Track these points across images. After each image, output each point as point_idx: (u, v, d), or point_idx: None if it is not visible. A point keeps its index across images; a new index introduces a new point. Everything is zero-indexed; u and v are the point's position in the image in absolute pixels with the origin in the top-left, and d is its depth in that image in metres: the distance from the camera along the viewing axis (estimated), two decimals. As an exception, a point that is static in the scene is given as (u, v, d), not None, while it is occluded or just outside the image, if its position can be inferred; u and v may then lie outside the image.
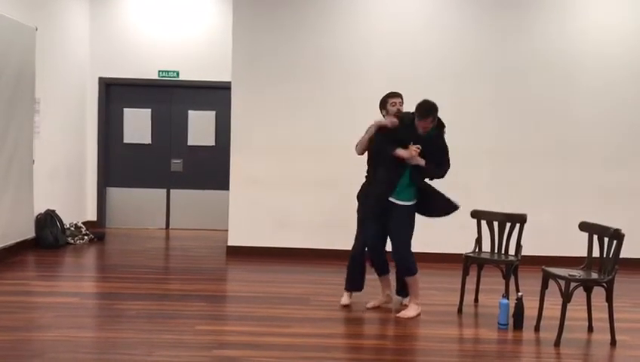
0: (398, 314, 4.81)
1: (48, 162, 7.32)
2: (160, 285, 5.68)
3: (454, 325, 4.70)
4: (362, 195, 5.04)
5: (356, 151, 5.01)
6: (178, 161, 8.87)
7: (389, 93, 5.06)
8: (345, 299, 5.06)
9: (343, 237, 5.12)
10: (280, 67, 6.97)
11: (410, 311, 4.80)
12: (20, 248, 6.66)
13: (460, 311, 4.95)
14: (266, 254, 6.93)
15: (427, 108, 4.60)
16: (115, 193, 8.86)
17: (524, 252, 5.04)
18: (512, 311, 4.56)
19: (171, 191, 8.93)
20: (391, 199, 4.73)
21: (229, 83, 7.05)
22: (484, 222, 5.15)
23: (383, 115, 5.02)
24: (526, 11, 6.93)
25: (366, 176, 5.06)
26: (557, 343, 4.19)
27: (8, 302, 4.86)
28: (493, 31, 6.96)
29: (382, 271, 4.98)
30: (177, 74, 8.62)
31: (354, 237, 5.06)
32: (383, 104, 5.04)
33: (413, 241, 4.80)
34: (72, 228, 7.63)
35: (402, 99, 5.02)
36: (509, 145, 6.99)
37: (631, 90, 6.96)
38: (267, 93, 6.99)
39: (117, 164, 8.83)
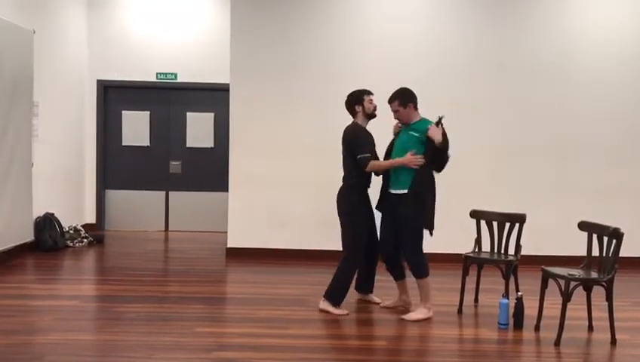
0: (403, 316, 4.75)
1: (47, 165, 7.31)
2: (159, 287, 5.67)
3: (454, 325, 4.70)
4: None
5: (370, 168, 4.74)
6: (177, 163, 8.87)
7: (365, 90, 4.91)
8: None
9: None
10: (278, 68, 6.97)
11: (417, 314, 4.73)
12: (19, 251, 6.66)
13: (459, 311, 4.95)
14: (266, 256, 6.92)
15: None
16: (113, 195, 8.86)
17: (524, 252, 5.04)
18: (512, 310, 4.56)
19: (170, 193, 8.92)
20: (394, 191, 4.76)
21: (228, 85, 7.05)
22: (483, 222, 5.14)
23: (357, 111, 4.88)
24: (525, 10, 6.92)
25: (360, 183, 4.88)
26: (557, 342, 4.19)
27: (7, 306, 4.85)
28: (492, 30, 6.95)
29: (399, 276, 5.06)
30: (176, 76, 8.62)
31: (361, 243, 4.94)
32: (359, 99, 4.88)
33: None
34: (71, 231, 7.63)
35: None
36: (508, 145, 6.99)
37: (631, 89, 6.95)
38: (265, 94, 6.99)
39: (116, 167, 8.82)
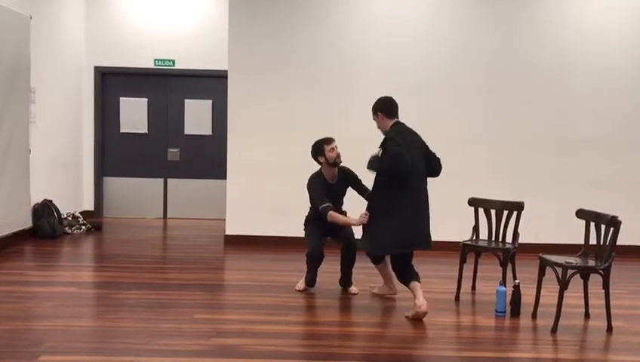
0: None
1: (45, 152, 7.30)
2: (158, 274, 5.68)
3: (452, 312, 4.72)
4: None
5: (330, 219, 4.80)
6: (175, 150, 8.86)
7: (325, 140, 4.97)
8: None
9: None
10: (276, 54, 6.94)
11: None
12: (17, 238, 6.65)
13: (457, 298, 4.97)
14: (264, 243, 6.93)
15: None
16: (112, 183, 8.85)
17: (522, 239, 5.05)
18: (509, 298, 4.57)
19: (168, 180, 8.92)
20: None
21: (226, 71, 7.02)
22: (481, 210, 5.15)
23: (321, 162, 4.99)
24: (525, 3, 6.90)
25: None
26: (554, 330, 4.21)
27: (6, 292, 4.85)
28: (490, 21, 6.93)
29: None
30: (173, 62, 8.58)
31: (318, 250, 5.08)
32: (320, 150, 4.96)
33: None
34: (70, 218, 7.62)
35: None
36: (506, 134, 6.99)
37: (628, 79, 6.94)
38: (264, 81, 6.96)
39: (114, 154, 8.80)
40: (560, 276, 4.21)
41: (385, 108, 4.63)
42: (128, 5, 8.50)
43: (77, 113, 8.42)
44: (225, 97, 7.10)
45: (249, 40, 6.92)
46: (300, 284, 5.19)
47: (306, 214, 5.29)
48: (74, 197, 8.28)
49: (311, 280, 5.16)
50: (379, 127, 4.71)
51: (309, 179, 5.11)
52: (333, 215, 4.85)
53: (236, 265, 6.34)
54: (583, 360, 3.90)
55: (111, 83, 8.72)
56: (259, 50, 6.93)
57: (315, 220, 5.13)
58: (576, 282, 4.30)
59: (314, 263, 5.11)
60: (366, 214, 4.59)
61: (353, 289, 5.17)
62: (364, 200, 4.86)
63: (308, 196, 5.13)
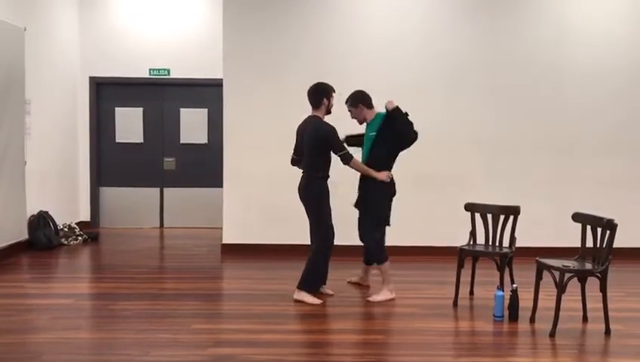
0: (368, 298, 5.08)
1: (40, 163, 7.28)
2: (155, 284, 5.67)
3: (450, 318, 4.71)
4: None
5: (352, 165, 4.96)
6: (171, 160, 8.85)
7: (332, 87, 5.07)
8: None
9: (338, 232, 5.12)
10: (271, 63, 6.95)
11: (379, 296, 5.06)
12: (13, 250, 6.63)
13: (455, 303, 4.96)
14: (261, 251, 6.92)
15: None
16: (108, 193, 8.83)
17: (519, 243, 5.06)
18: (507, 302, 4.58)
19: (165, 189, 8.90)
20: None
21: (221, 80, 7.03)
22: (478, 215, 5.15)
23: (323, 104, 5.02)
24: (520, 3, 6.92)
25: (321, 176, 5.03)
26: (552, 333, 4.21)
27: (3, 305, 4.83)
28: (486, 22, 6.95)
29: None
30: (168, 72, 8.58)
31: (334, 233, 5.10)
32: (328, 94, 5.03)
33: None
34: (66, 229, 7.61)
35: None
36: (502, 137, 7.00)
37: (626, 81, 6.96)
38: (259, 89, 6.97)
39: (109, 164, 8.79)
40: (557, 279, 4.21)
41: (367, 100, 5.14)
42: (123, 15, 8.51)
43: (72, 124, 8.41)
44: (220, 106, 7.10)
45: (244, 48, 6.92)
46: (313, 299, 4.95)
47: (309, 181, 5.04)
48: (70, 208, 8.26)
49: (324, 276, 5.11)
50: (355, 117, 5.19)
51: (329, 128, 4.92)
52: (357, 162, 4.95)
53: (233, 273, 6.32)
54: (581, 363, 3.91)
55: (106, 93, 8.72)
56: (254, 58, 6.93)
57: (324, 193, 4.99)
58: (573, 285, 4.31)
59: (330, 253, 5.06)
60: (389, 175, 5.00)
61: (327, 290, 5.19)
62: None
63: (319, 150, 4.95)
